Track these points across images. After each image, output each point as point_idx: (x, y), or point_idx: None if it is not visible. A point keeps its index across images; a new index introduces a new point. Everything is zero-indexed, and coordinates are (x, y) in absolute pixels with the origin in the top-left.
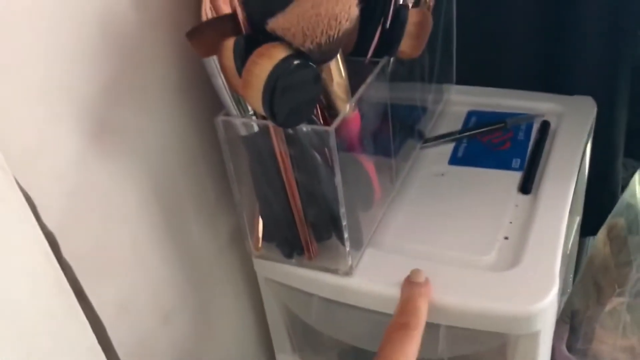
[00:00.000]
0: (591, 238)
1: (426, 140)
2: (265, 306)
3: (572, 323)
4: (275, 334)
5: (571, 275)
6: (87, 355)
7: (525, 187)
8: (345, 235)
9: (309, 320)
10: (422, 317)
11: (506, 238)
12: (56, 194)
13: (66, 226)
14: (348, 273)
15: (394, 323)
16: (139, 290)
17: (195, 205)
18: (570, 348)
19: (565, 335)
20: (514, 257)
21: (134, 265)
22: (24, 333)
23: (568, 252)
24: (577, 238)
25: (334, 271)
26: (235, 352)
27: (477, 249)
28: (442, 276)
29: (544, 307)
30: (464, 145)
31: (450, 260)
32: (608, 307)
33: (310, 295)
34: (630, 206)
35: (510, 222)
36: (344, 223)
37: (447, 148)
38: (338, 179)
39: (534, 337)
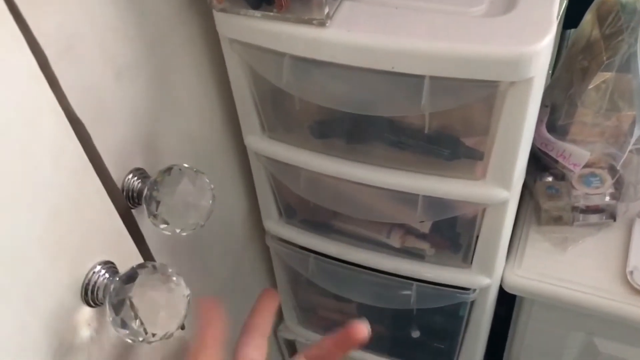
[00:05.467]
0: (571, 31)
1: None
2: (230, 75)
3: (554, 104)
4: (243, 112)
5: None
6: (28, 84)
7: None
8: None
9: (279, 83)
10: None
11: None
12: None
13: None
14: (323, 23)
15: None
16: (84, 34)
17: None
18: (551, 128)
19: (545, 118)
20: (507, 5)
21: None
22: None
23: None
24: (560, 30)
25: (308, 22)
26: (198, 127)
27: (465, 0)
28: (427, 23)
29: (541, 49)
30: None
31: (436, 10)
32: (593, 84)
33: (281, 55)
34: None
35: None
36: None
37: None
38: None
39: (526, 86)
